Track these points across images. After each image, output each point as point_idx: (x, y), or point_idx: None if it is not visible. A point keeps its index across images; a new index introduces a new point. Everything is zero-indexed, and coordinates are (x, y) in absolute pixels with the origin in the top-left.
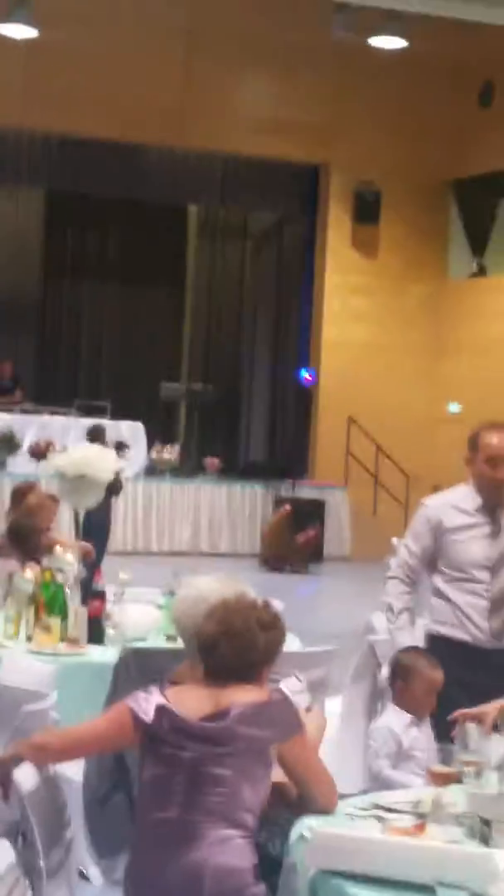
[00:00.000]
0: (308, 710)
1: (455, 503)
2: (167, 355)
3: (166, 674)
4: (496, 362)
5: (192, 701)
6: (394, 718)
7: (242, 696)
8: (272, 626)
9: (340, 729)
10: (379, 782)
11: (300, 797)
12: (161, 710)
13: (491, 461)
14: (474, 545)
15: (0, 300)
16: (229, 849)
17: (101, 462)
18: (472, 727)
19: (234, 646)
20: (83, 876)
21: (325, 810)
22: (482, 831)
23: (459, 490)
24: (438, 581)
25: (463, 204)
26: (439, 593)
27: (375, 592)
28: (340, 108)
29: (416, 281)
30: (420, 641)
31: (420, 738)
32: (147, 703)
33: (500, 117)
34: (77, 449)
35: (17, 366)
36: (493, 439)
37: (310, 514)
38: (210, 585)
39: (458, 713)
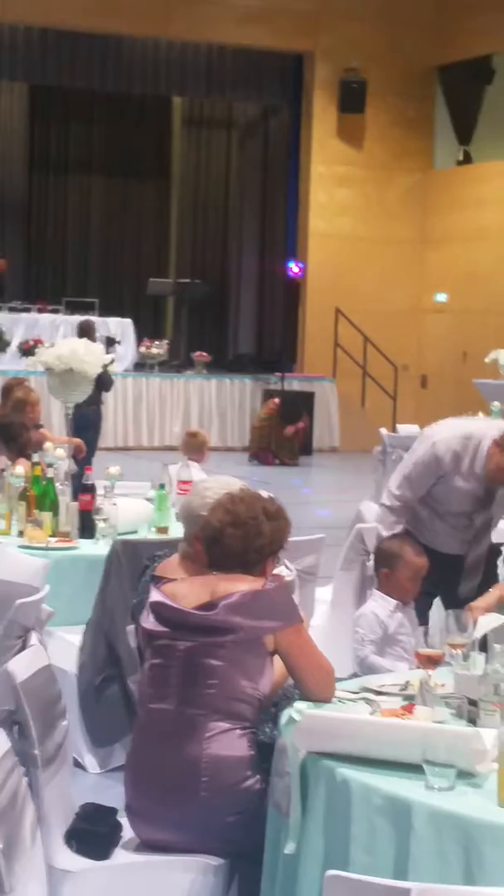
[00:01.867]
0: None
1: (463, 461)
2: (154, 250)
3: (151, 566)
4: (482, 251)
5: (187, 593)
6: (379, 604)
7: (237, 585)
8: (278, 516)
9: (330, 616)
10: (364, 668)
11: (295, 687)
12: (155, 605)
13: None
14: (464, 503)
15: None
16: (226, 741)
17: (88, 356)
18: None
19: (240, 534)
20: (79, 765)
21: (321, 700)
22: (469, 711)
23: (472, 443)
24: (421, 507)
25: (448, 91)
26: (425, 512)
27: (364, 483)
28: None
29: (401, 170)
30: None
31: (405, 622)
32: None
33: (485, 1)
34: (64, 344)
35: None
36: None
37: (298, 406)
38: (216, 482)
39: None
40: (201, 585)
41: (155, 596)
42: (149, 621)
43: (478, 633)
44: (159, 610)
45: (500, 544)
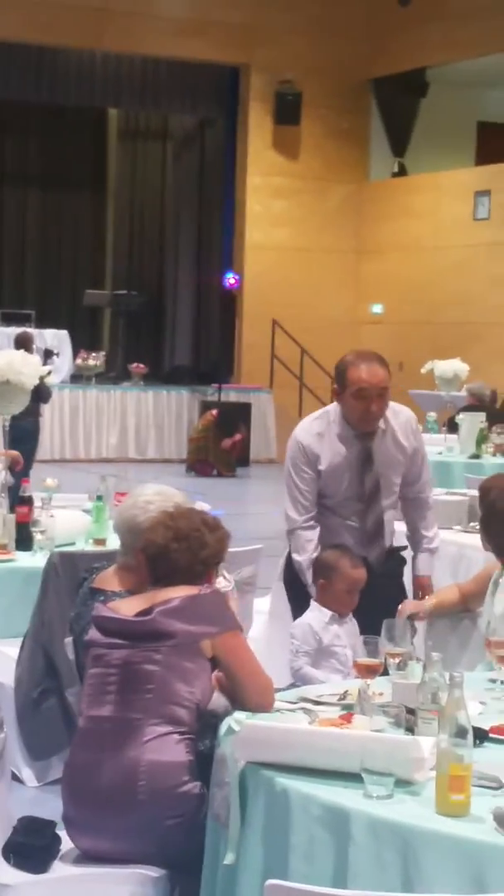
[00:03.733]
0: None
1: (327, 437)
2: (90, 262)
3: (89, 578)
4: (417, 262)
5: (128, 606)
6: (314, 616)
7: (172, 593)
8: (217, 527)
9: (268, 626)
10: (298, 679)
11: (233, 696)
12: (96, 617)
13: (361, 392)
14: (346, 480)
15: None
16: (164, 746)
17: (24, 367)
18: (397, 621)
19: (184, 547)
20: (17, 778)
21: (260, 710)
22: (407, 720)
23: (329, 418)
24: (319, 517)
25: (383, 103)
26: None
27: None
28: (260, 8)
29: (337, 182)
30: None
31: (341, 634)
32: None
33: (419, 14)
34: (1, 356)
35: None
36: (362, 373)
37: (236, 417)
38: (150, 491)
39: (400, 607)
40: (141, 598)
41: (99, 610)
42: (91, 633)
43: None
44: (100, 621)
45: (402, 548)
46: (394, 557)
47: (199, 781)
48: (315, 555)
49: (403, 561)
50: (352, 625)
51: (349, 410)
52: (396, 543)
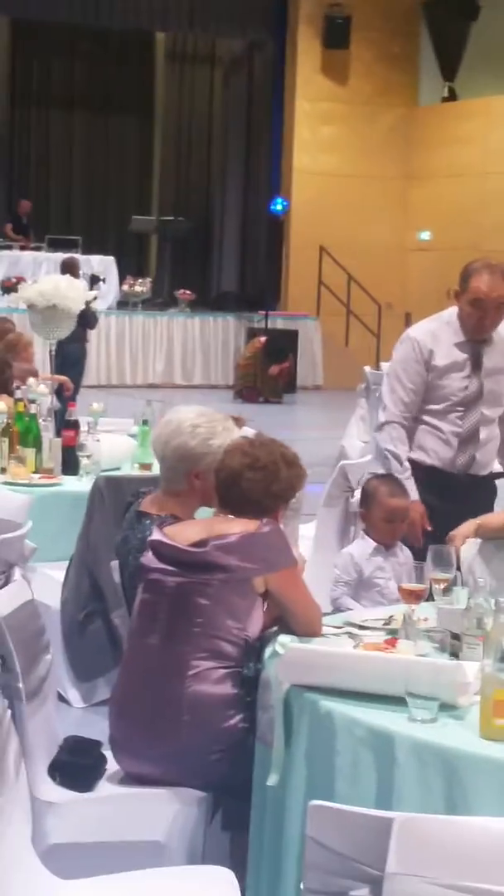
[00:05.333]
0: None
1: (440, 337)
2: (137, 187)
3: (135, 503)
4: (466, 188)
5: (184, 533)
6: (358, 546)
7: (232, 527)
8: (294, 463)
9: (313, 552)
10: (336, 608)
11: (282, 625)
12: (153, 542)
13: (476, 304)
14: (454, 381)
15: None
16: (209, 681)
17: (70, 292)
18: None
19: (258, 478)
20: (63, 699)
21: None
22: (452, 645)
23: (443, 320)
24: (416, 422)
25: (433, 26)
26: (415, 430)
27: (348, 420)
28: None
29: (386, 107)
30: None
31: (385, 566)
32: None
33: None
34: (46, 280)
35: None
36: (482, 283)
37: (283, 344)
38: (189, 413)
39: (451, 533)
40: (199, 526)
41: (155, 535)
42: (145, 557)
43: (464, 564)
44: (156, 546)
45: (499, 475)
46: (484, 487)
47: (244, 714)
48: (407, 451)
49: (494, 492)
50: (403, 556)
51: (465, 315)
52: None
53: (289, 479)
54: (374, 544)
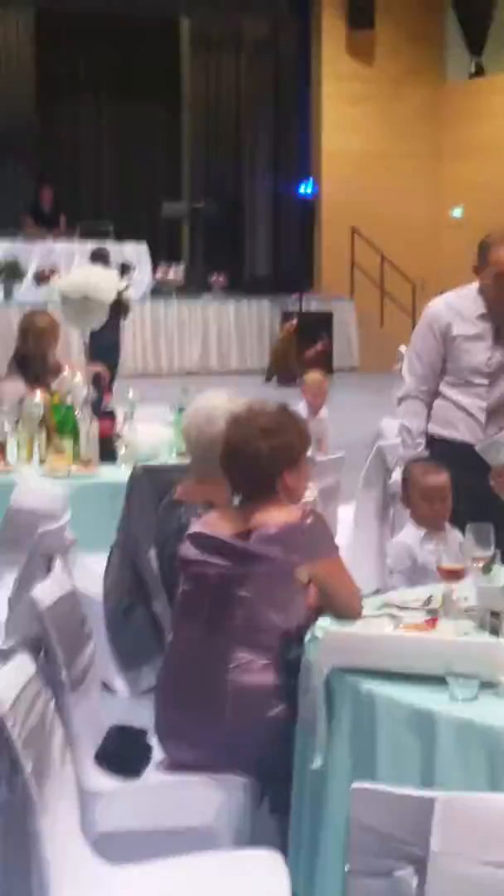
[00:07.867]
0: None
1: (460, 308)
2: (167, 173)
3: (172, 490)
4: (497, 164)
5: (224, 523)
6: (409, 533)
7: (271, 518)
8: (277, 432)
9: (353, 534)
10: None
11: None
12: (193, 534)
13: (499, 278)
14: (477, 352)
15: None
16: (251, 671)
17: (102, 282)
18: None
19: (238, 464)
20: (109, 689)
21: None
22: (492, 623)
23: (464, 293)
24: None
25: (458, 2)
26: (438, 395)
27: (384, 401)
28: None
29: (413, 85)
30: None
31: (437, 550)
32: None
33: None
34: (78, 271)
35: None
36: (502, 256)
37: (318, 326)
38: (220, 399)
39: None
40: (238, 516)
41: (195, 526)
42: (185, 548)
43: None
44: (196, 538)
45: None
46: None
47: (287, 702)
48: (421, 424)
49: None
50: (452, 538)
51: (486, 289)
52: None
53: (270, 451)
54: (424, 531)
